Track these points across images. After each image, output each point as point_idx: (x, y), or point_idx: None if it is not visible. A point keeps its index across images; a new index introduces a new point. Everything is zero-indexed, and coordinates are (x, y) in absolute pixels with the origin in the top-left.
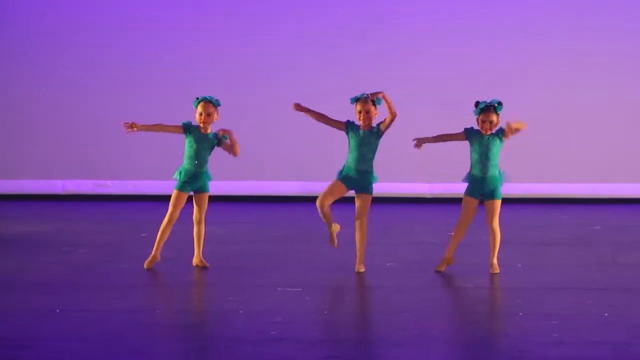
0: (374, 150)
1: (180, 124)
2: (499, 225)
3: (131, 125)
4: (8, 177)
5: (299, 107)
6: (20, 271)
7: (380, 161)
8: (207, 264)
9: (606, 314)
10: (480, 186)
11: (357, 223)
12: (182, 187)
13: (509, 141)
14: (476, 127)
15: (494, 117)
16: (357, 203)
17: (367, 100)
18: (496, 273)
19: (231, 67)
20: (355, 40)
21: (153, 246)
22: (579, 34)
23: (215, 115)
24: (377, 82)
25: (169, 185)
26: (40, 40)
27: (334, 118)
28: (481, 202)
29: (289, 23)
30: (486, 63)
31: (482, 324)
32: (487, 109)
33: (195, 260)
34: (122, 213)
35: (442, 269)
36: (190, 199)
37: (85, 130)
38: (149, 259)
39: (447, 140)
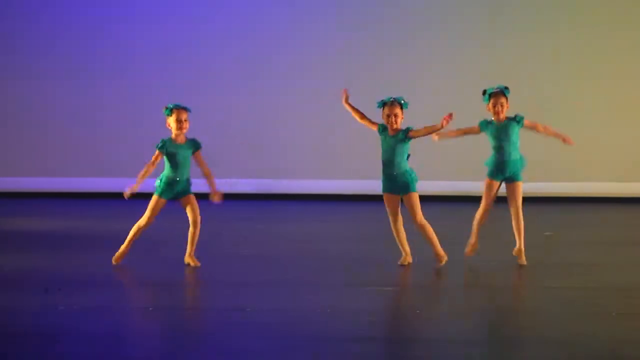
0: (401, 154)
1: (156, 151)
2: (522, 208)
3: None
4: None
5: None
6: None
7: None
8: (199, 263)
9: None
10: (502, 169)
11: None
12: (161, 193)
13: (584, 138)
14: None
15: (503, 100)
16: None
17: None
18: (524, 264)
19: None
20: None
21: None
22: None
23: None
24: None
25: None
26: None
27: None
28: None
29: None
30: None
31: (574, 324)
32: (496, 94)
33: (186, 258)
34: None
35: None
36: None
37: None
38: (118, 254)
39: (464, 134)
